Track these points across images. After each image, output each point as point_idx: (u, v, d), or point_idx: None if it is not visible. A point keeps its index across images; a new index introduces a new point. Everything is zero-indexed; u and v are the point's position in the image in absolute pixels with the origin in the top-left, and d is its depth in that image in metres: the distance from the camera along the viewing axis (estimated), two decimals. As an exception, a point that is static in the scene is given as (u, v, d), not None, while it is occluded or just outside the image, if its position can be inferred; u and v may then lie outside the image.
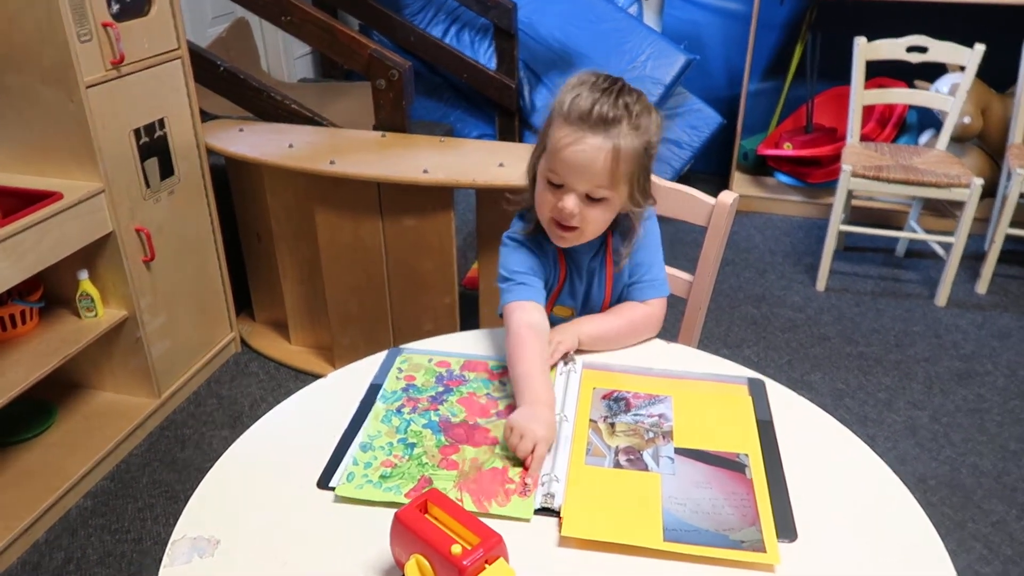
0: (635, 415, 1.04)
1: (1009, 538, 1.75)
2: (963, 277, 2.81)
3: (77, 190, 1.76)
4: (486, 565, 0.74)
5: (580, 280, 1.25)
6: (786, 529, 0.85)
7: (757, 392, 1.09)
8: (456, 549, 0.73)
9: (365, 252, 2.09)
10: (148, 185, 1.96)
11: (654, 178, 1.43)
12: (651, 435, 1.00)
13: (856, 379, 2.30)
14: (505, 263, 1.20)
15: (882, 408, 2.17)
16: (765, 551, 0.82)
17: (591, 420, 1.03)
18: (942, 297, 2.69)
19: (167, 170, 2.02)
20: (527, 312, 1.13)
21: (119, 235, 1.87)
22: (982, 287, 2.77)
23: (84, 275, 1.90)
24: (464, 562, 0.72)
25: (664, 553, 0.82)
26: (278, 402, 1.09)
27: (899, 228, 3.04)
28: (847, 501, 0.90)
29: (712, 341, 2.46)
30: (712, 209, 1.42)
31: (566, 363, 1.14)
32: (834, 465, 0.96)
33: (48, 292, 1.96)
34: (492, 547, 0.74)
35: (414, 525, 0.77)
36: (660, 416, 1.04)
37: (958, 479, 1.93)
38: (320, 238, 2.12)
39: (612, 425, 1.02)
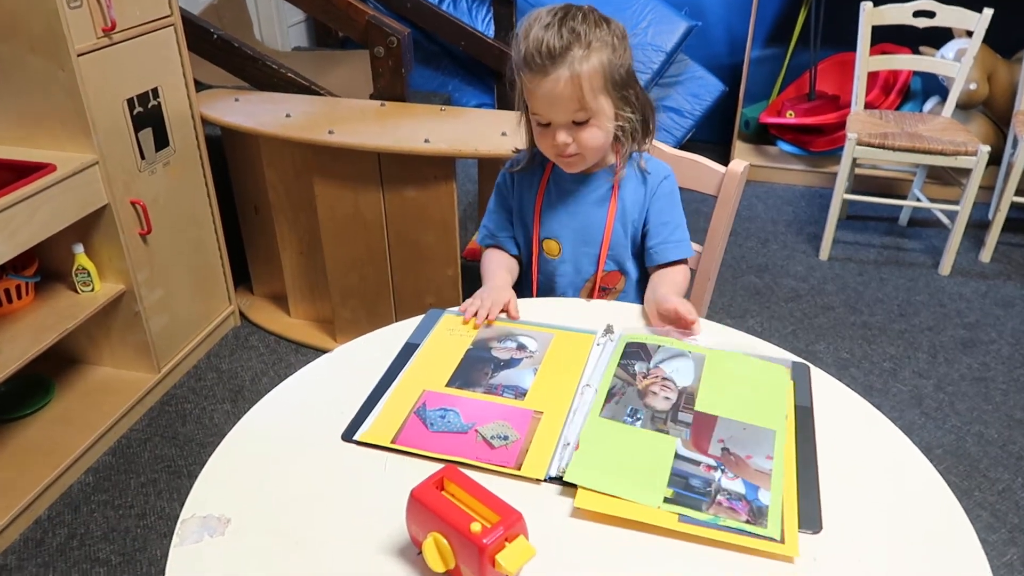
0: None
1: (1015, 506, 1.75)
2: (966, 246, 2.79)
3: (70, 162, 1.72)
4: (506, 543, 0.72)
5: (575, 212, 1.28)
6: (810, 520, 0.81)
7: (800, 376, 1.03)
8: (476, 527, 0.71)
9: (365, 224, 2.06)
10: (143, 157, 1.92)
11: (662, 146, 1.41)
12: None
13: (861, 349, 2.29)
14: (489, 212, 1.37)
15: (887, 378, 2.17)
16: (783, 542, 0.78)
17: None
18: (946, 266, 2.68)
19: (162, 141, 1.97)
20: (498, 252, 1.35)
21: (114, 208, 1.83)
22: (986, 256, 2.75)
23: (80, 249, 1.86)
24: (484, 540, 0.70)
25: (680, 534, 0.80)
26: (279, 376, 1.07)
27: (902, 197, 3.01)
28: (880, 498, 0.86)
29: (715, 311, 2.44)
30: (722, 178, 1.39)
31: (605, 333, 1.12)
32: (871, 459, 0.91)
33: (43, 267, 1.92)
34: (512, 524, 0.73)
35: (431, 503, 0.75)
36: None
37: (964, 448, 1.92)
38: (319, 210, 2.08)
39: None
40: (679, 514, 0.81)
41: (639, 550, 0.79)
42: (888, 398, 2.08)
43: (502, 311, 1.17)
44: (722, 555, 0.79)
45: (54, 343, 1.75)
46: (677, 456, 0.88)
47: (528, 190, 1.32)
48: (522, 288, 1.36)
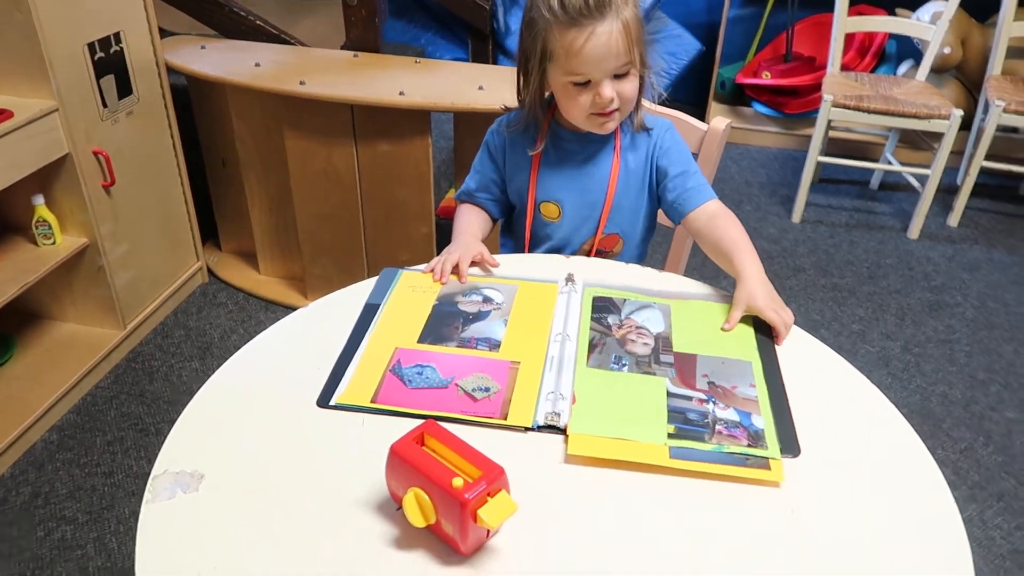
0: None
1: (976, 464, 1.80)
2: (936, 210, 2.83)
3: (28, 108, 1.64)
4: (488, 498, 0.71)
5: (576, 175, 1.24)
6: (789, 444, 0.85)
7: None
8: (457, 482, 0.70)
9: (338, 179, 2.01)
10: (105, 105, 1.84)
11: (645, 102, 1.39)
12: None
13: (831, 310, 2.32)
14: (473, 171, 1.31)
15: (856, 339, 2.20)
16: (769, 468, 0.81)
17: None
18: (915, 229, 2.71)
19: (125, 89, 1.90)
20: (473, 209, 1.31)
21: (76, 157, 1.77)
22: (954, 220, 2.79)
23: (40, 200, 1.79)
24: (466, 495, 0.69)
25: (670, 469, 0.81)
26: (249, 333, 1.04)
27: (874, 160, 3.03)
28: (844, 423, 0.90)
29: (689, 272, 2.42)
30: (704, 135, 1.38)
31: (567, 282, 1.11)
32: (828, 388, 0.96)
33: (2, 218, 1.85)
34: (494, 479, 0.71)
35: (412, 458, 0.74)
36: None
37: (928, 408, 1.96)
38: (290, 164, 2.03)
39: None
40: (679, 447, 0.83)
41: (629, 494, 0.80)
42: (857, 359, 2.11)
43: (474, 264, 1.15)
44: (714, 489, 0.80)
45: (13, 298, 1.70)
46: (670, 394, 0.91)
47: (523, 151, 1.25)
48: (515, 250, 1.33)
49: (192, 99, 2.19)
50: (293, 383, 0.94)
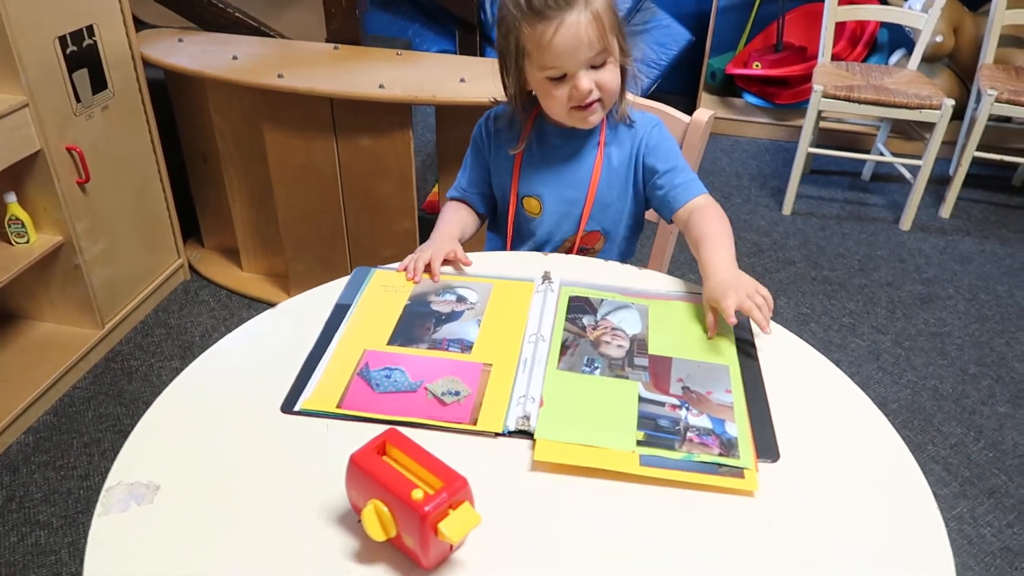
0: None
1: (967, 460, 1.77)
2: (927, 201, 2.80)
3: (-3, 104, 1.61)
4: (450, 511, 0.68)
5: (558, 171, 1.20)
6: (767, 449, 0.82)
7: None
8: (417, 494, 0.67)
9: (319, 174, 1.98)
10: (79, 100, 1.80)
11: (628, 95, 1.36)
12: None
13: (821, 304, 2.29)
14: (464, 167, 1.29)
15: (846, 333, 2.17)
16: (743, 477, 0.78)
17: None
18: (906, 221, 2.68)
19: (99, 83, 1.86)
20: (458, 206, 1.28)
21: (48, 154, 1.73)
22: (946, 211, 2.76)
23: (12, 198, 1.76)
24: (426, 508, 0.66)
25: (640, 477, 0.78)
26: (231, 332, 1.01)
27: (866, 151, 3.00)
28: (825, 426, 0.87)
29: (677, 266, 2.42)
30: (687, 127, 1.35)
31: (544, 280, 1.08)
32: (810, 389, 0.92)
33: (-27, 216, 1.82)
34: (456, 491, 0.68)
35: (371, 469, 0.70)
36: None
37: (919, 402, 1.94)
38: (270, 159, 1.99)
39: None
40: (649, 455, 0.80)
41: (600, 502, 0.77)
42: (847, 353, 2.09)
43: (447, 263, 1.12)
44: (684, 497, 0.77)
45: (-13, 297, 1.67)
46: (641, 399, 0.87)
47: (507, 145, 1.22)
48: (501, 246, 1.30)
49: (171, 93, 2.15)
50: (258, 387, 0.91)
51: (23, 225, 1.78)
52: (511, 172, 1.23)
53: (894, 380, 2.01)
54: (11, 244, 1.80)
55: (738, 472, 0.78)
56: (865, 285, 2.39)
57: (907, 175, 2.76)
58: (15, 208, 1.76)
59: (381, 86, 1.79)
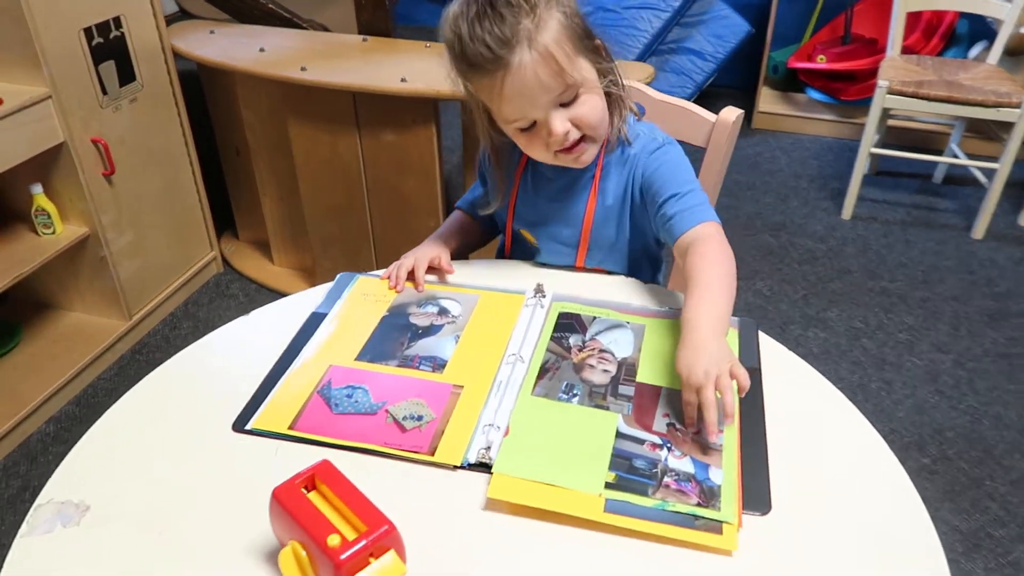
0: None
1: (1030, 497, 1.60)
2: (1003, 208, 2.57)
3: (19, 95, 1.61)
4: (371, 559, 0.61)
5: (550, 207, 1.08)
6: (758, 500, 0.71)
7: (747, 334, 0.92)
8: (333, 540, 0.60)
9: (343, 169, 1.93)
10: (105, 92, 1.80)
11: (647, 89, 1.26)
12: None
13: (876, 317, 2.12)
14: (474, 185, 1.20)
15: (902, 350, 2.00)
16: (721, 533, 0.68)
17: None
18: (980, 229, 2.47)
19: (127, 75, 1.85)
20: (461, 215, 1.21)
21: (72, 146, 1.73)
22: (1024, 219, 2.54)
23: (38, 189, 1.77)
24: (341, 556, 0.59)
25: (605, 526, 0.69)
26: (256, 327, 0.96)
27: (939, 152, 2.78)
28: (831, 475, 0.75)
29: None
30: (712, 128, 1.24)
31: (535, 293, 1.00)
32: (822, 433, 0.81)
33: (4, 207, 1.84)
34: (379, 538, 0.61)
35: (291, 506, 0.64)
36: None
37: (979, 431, 1.77)
38: (295, 153, 1.96)
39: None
40: (617, 499, 0.71)
41: (559, 548, 0.69)
42: (901, 373, 1.92)
43: (432, 270, 1.04)
44: (655, 550, 0.68)
45: (22, 287, 1.68)
46: (619, 434, 0.78)
47: (504, 171, 1.10)
48: None
49: (203, 85, 2.14)
50: (215, 402, 0.86)
51: (49, 216, 1.79)
52: (507, 204, 1.12)
53: (952, 405, 1.83)
54: (38, 235, 1.81)
55: (716, 527, 0.68)
56: (927, 298, 2.20)
57: (982, 178, 2.54)
58: (41, 199, 1.77)
59: (403, 80, 1.73)
